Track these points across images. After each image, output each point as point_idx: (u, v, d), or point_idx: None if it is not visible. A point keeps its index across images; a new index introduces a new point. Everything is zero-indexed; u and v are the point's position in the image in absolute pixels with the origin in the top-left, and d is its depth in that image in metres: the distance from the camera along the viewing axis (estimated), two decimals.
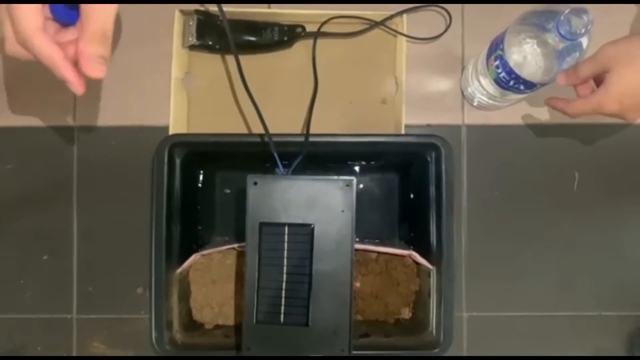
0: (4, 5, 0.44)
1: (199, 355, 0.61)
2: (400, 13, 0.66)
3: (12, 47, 0.45)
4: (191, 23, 0.65)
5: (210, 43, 0.65)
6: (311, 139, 0.59)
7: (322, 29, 0.66)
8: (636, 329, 0.68)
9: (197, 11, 0.65)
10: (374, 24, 0.66)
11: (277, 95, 0.67)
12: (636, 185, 0.68)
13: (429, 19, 0.67)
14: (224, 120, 0.67)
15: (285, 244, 0.53)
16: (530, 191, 0.68)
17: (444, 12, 0.67)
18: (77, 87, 0.46)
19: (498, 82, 0.59)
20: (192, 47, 0.66)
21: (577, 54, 0.53)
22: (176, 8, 0.66)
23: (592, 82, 0.53)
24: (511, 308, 0.68)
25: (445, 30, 0.67)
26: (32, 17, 0.43)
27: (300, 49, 0.67)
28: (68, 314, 0.67)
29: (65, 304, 0.67)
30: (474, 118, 0.68)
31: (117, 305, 0.67)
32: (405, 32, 0.66)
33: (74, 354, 0.67)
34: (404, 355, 0.60)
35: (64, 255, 0.67)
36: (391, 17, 0.66)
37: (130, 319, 0.67)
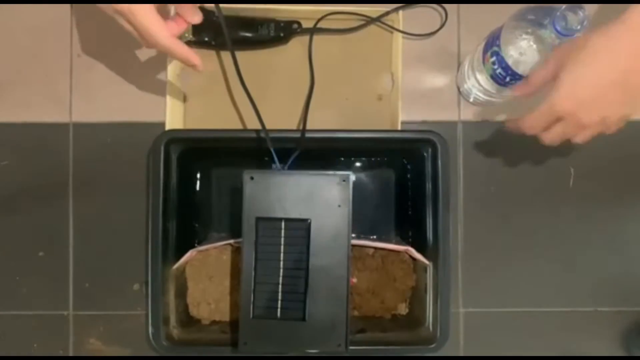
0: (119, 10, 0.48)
1: (196, 354, 0.61)
2: (396, 9, 0.66)
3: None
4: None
5: (206, 39, 0.65)
6: (307, 134, 0.59)
7: (318, 25, 0.66)
8: (631, 324, 0.68)
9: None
10: (370, 20, 0.66)
11: (273, 91, 0.67)
12: (632, 180, 0.68)
13: (424, 15, 0.67)
14: (220, 117, 0.67)
15: (282, 239, 0.53)
16: (526, 187, 0.68)
17: (439, 8, 0.67)
18: (201, 65, 0.54)
19: (494, 78, 0.60)
20: (188, 43, 0.66)
21: None
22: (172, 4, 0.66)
23: None
24: (507, 304, 0.68)
25: (441, 27, 0.67)
26: (159, 29, 0.49)
27: (296, 45, 0.67)
28: (64, 311, 0.67)
29: (61, 300, 0.67)
30: (470, 114, 0.68)
31: (113, 301, 0.67)
32: (401, 28, 0.66)
33: (70, 351, 0.67)
34: (400, 350, 0.60)
35: (60, 252, 0.67)
36: (387, 13, 0.66)
37: (126, 315, 0.67)
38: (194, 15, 0.54)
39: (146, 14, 0.47)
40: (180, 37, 0.64)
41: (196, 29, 0.64)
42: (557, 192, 0.68)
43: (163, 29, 0.49)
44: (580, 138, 0.49)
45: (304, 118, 0.64)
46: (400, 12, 0.66)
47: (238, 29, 0.64)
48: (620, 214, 0.68)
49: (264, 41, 0.66)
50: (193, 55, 0.53)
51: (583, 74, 0.43)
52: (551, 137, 0.49)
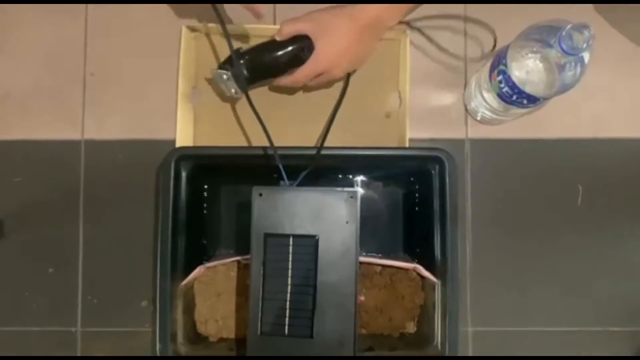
0: None
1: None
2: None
3: None
4: (225, 77, 0.61)
5: (249, 81, 0.62)
6: (314, 151, 0.59)
7: None
8: None
9: (221, 66, 0.62)
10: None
11: (281, 109, 0.68)
12: None
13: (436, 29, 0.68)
14: (229, 134, 0.68)
15: (290, 255, 0.53)
16: (534, 205, 0.68)
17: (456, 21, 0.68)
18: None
19: (501, 96, 0.60)
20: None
21: (579, 68, 0.54)
22: (183, 24, 0.67)
23: None
24: (517, 323, 0.67)
25: (493, 47, 0.66)
26: None
27: None
28: (72, 327, 0.67)
29: (69, 316, 0.67)
30: (477, 132, 0.68)
31: (121, 318, 0.67)
32: (408, 46, 0.67)
33: None
34: None
35: (70, 268, 0.68)
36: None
37: (134, 332, 0.67)
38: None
39: None
40: (229, 94, 0.63)
41: (237, 79, 0.61)
42: (565, 209, 0.67)
43: None
44: (330, 85, 0.66)
45: (324, 135, 0.64)
46: (408, 33, 0.67)
47: (278, 55, 0.61)
48: (630, 231, 0.68)
49: (291, 62, 0.62)
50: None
51: (331, 42, 0.59)
52: (312, 84, 0.63)
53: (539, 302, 0.67)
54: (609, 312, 0.67)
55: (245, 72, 0.61)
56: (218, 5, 0.60)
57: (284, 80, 0.63)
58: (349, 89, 0.67)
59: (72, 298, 0.67)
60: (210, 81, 0.68)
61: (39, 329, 0.67)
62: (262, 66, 0.62)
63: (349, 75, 0.66)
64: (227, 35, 0.59)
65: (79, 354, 0.67)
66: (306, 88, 0.67)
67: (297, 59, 0.61)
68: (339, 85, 0.67)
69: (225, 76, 0.61)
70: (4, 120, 0.69)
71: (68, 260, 0.68)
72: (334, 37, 0.59)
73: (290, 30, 0.60)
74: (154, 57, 0.69)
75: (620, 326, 0.67)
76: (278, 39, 0.61)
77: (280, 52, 0.61)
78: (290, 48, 0.61)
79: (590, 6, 0.68)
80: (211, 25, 0.68)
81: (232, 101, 0.68)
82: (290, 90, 0.68)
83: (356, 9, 0.58)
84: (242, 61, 0.61)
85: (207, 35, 0.69)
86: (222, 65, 0.62)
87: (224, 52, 0.68)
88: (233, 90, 0.63)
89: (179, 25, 0.67)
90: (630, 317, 0.67)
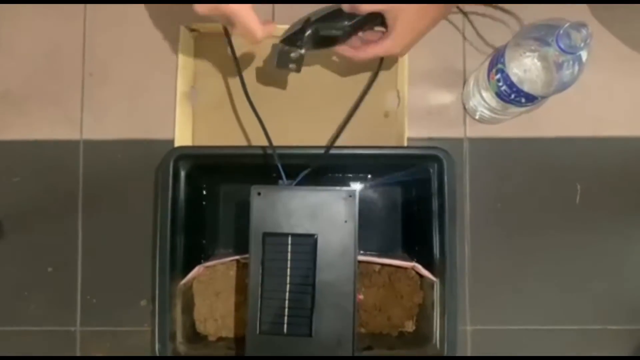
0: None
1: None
2: None
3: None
4: (293, 55, 0.59)
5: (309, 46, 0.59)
6: (314, 151, 0.59)
7: None
8: None
9: (287, 41, 0.59)
10: None
11: (280, 108, 0.68)
12: (638, 196, 0.68)
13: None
14: (228, 134, 0.68)
15: (289, 254, 0.53)
16: (532, 204, 0.68)
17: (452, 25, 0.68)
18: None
19: (499, 95, 0.60)
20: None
21: (577, 67, 0.54)
22: (181, 24, 0.67)
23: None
24: (515, 321, 0.67)
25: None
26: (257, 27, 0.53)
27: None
28: (72, 326, 0.67)
29: (69, 316, 0.67)
30: (476, 131, 0.68)
31: (120, 317, 0.67)
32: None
33: None
34: None
35: (69, 268, 0.68)
36: None
37: (133, 332, 0.67)
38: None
39: (247, 14, 0.52)
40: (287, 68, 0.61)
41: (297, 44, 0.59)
42: (563, 208, 0.68)
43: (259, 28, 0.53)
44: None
45: (337, 135, 0.63)
46: None
47: (340, 22, 0.58)
48: (628, 230, 0.68)
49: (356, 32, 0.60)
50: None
51: (410, 27, 0.58)
52: (359, 58, 0.61)
53: (537, 300, 0.67)
54: (608, 310, 0.67)
55: (311, 44, 0.59)
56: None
57: (348, 52, 0.61)
58: (347, 89, 0.67)
59: (71, 297, 0.68)
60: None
61: (38, 329, 0.67)
62: (328, 38, 0.59)
63: (371, 82, 0.65)
64: (228, 36, 0.59)
65: (78, 354, 0.67)
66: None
67: (364, 30, 0.60)
68: (338, 84, 0.68)
69: (293, 54, 0.59)
70: (2, 120, 0.69)
71: (67, 260, 0.68)
72: (414, 22, 0.57)
73: (369, 8, 0.57)
74: (152, 56, 0.69)
75: (619, 325, 0.67)
76: (348, 10, 0.58)
77: (350, 23, 0.58)
78: (361, 20, 0.58)
79: (587, 5, 0.68)
80: (209, 25, 0.68)
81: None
82: (290, 89, 0.68)
83: None
84: (309, 32, 0.58)
85: (206, 35, 0.69)
86: (289, 40, 0.59)
87: (223, 52, 0.68)
88: (293, 65, 0.60)
89: (178, 25, 0.67)
90: (629, 315, 0.67)
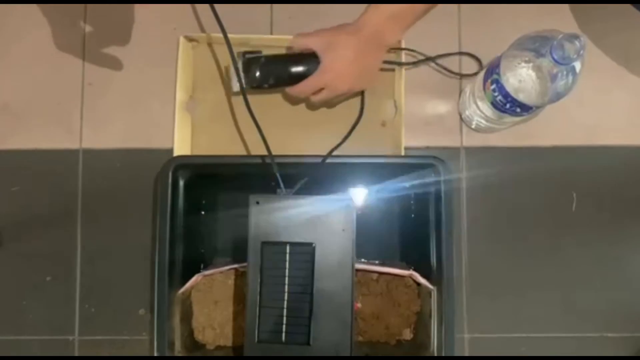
0: None
1: None
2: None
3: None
4: (238, 66, 0.62)
5: (258, 80, 0.63)
6: (311, 160, 0.60)
7: None
8: (639, 350, 0.67)
9: (241, 53, 0.63)
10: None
11: (281, 118, 0.69)
12: (634, 205, 0.68)
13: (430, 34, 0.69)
14: (227, 143, 0.68)
15: (287, 263, 0.54)
16: (529, 212, 0.68)
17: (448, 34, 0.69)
18: None
19: (495, 105, 0.61)
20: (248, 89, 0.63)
21: (571, 77, 0.55)
22: (181, 34, 0.68)
23: None
24: (513, 329, 0.67)
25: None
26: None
27: None
28: (70, 336, 0.67)
29: (67, 325, 0.67)
30: (472, 140, 0.69)
31: (119, 326, 0.67)
32: (403, 56, 0.68)
33: None
34: None
35: (67, 277, 0.68)
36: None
37: (132, 341, 0.67)
38: None
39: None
40: (233, 85, 0.63)
41: (247, 73, 0.63)
42: (560, 217, 0.68)
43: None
44: (335, 102, 0.67)
45: (338, 145, 0.64)
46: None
47: (289, 66, 0.63)
48: (624, 237, 0.68)
49: (299, 76, 0.63)
50: None
51: (335, 57, 0.61)
52: (317, 100, 0.65)
53: (534, 308, 0.68)
54: (605, 318, 0.68)
55: (257, 73, 0.62)
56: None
57: (290, 90, 0.64)
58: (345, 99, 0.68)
59: (70, 307, 0.68)
60: (227, 70, 0.68)
61: (37, 338, 0.67)
62: (272, 74, 0.63)
63: (362, 93, 0.67)
64: (227, 39, 0.60)
65: None
66: (310, 105, 0.68)
67: (305, 74, 0.62)
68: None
69: (239, 65, 0.62)
70: (2, 129, 0.69)
71: (66, 269, 0.68)
72: (338, 51, 0.60)
73: (300, 44, 0.63)
74: (151, 66, 0.69)
75: (616, 332, 0.68)
76: (289, 52, 0.64)
77: (290, 65, 0.63)
78: (300, 62, 0.63)
79: (580, 16, 0.69)
80: (209, 35, 0.68)
81: (232, 95, 0.68)
82: (293, 101, 0.69)
83: (357, 24, 0.60)
84: (258, 64, 0.62)
85: (205, 45, 0.70)
86: (242, 58, 0.63)
87: (221, 62, 0.69)
88: (237, 84, 0.62)
89: (177, 35, 0.68)
90: (626, 323, 0.68)
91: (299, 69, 0.63)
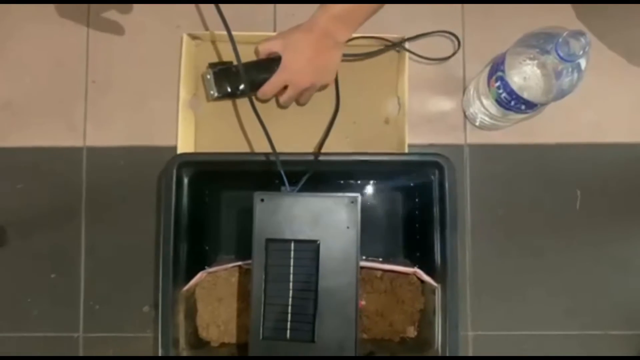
0: None
1: None
2: (404, 41, 0.67)
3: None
4: (209, 77, 0.66)
5: (229, 90, 0.66)
6: (315, 157, 0.60)
7: None
8: None
9: (211, 65, 0.66)
10: (384, 48, 0.68)
11: (282, 115, 0.69)
12: (638, 202, 0.68)
13: (433, 41, 0.69)
14: (231, 141, 0.68)
15: (292, 260, 0.54)
16: (533, 210, 0.68)
17: (451, 36, 0.69)
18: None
19: (499, 102, 0.61)
20: (216, 99, 0.67)
21: (576, 74, 0.55)
22: (184, 32, 0.68)
23: None
24: (517, 327, 0.68)
25: (454, 54, 0.69)
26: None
27: None
28: (74, 333, 0.68)
29: (71, 322, 0.68)
30: (476, 137, 0.69)
31: (123, 323, 0.67)
32: (407, 56, 0.68)
33: None
34: None
35: (71, 274, 0.68)
36: (397, 43, 0.68)
37: (136, 338, 0.67)
38: None
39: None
40: (208, 96, 0.68)
41: (219, 83, 0.66)
42: (564, 214, 0.68)
43: None
44: (303, 99, 0.68)
45: (322, 141, 0.66)
46: (407, 43, 0.68)
47: (258, 73, 0.65)
48: (628, 235, 0.68)
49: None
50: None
51: (293, 55, 0.63)
52: (284, 99, 0.67)
53: (538, 306, 0.68)
54: (609, 316, 0.68)
55: (227, 85, 0.65)
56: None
57: (258, 92, 0.66)
58: (348, 95, 0.68)
59: (74, 304, 0.68)
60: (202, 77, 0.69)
61: (41, 335, 0.68)
62: (242, 81, 0.65)
63: (337, 88, 0.68)
64: (231, 36, 0.60)
65: None
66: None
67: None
68: (341, 91, 0.68)
69: (209, 76, 0.66)
70: (6, 127, 0.69)
71: (70, 266, 0.68)
72: (295, 50, 0.63)
73: (263, 49, 0.65)
74: (155, 64, 0.69)
75: (620, 330, 0.68)
76: (257, 58, 0.67)
77: (258, 70, 0.65)
78: (267, 67, 0.65)
79: (586, 13, 0.68)
80: (212, 33, 0.68)
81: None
82: (264, 102, 0.69)
83: (309, 23, 0.62)
84: (227, 74, 0.66)
85: (208, 42, 0.70)
86: (213, 66, 0.66)
87: (225, 59, 0.69)
88: (212, 92, 0.66)
89: (180, 33, 0.68)
90: (629, 321, 0.68)
91: (266, 73, 0.65)
